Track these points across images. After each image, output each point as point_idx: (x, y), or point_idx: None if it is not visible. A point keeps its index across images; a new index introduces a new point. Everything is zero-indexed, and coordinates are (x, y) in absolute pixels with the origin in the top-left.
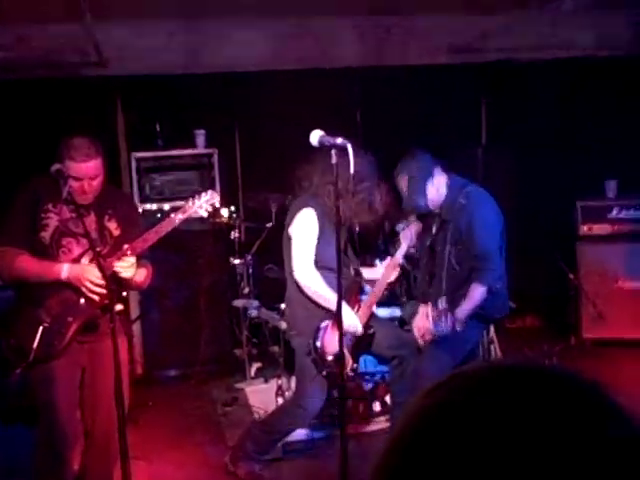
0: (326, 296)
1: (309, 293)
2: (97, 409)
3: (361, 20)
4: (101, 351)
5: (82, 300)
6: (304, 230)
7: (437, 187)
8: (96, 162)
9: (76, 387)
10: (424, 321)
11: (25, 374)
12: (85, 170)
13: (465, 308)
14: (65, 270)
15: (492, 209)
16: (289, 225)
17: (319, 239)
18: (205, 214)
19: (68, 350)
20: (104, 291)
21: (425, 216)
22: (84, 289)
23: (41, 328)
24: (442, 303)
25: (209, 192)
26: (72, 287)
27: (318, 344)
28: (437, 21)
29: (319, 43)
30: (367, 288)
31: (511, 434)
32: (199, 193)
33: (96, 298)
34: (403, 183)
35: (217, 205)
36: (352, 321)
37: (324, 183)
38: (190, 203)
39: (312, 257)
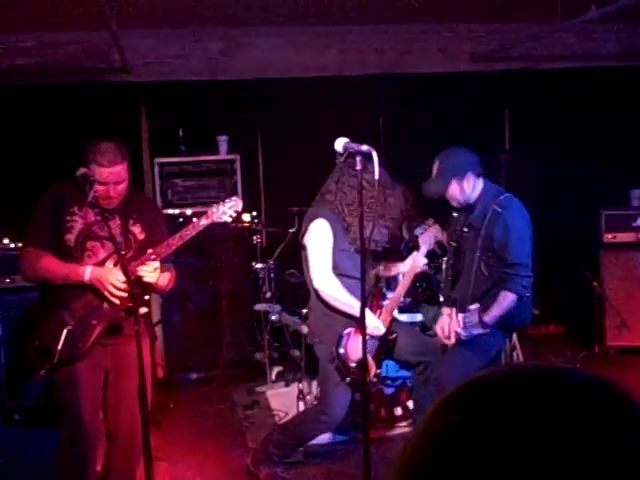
0: (347, 302)
1: (330, 301)
2: (120, 411)
3: (384, 28)
4: (124, 353)
5: (105, 304)
6: (318, 240)
7: (462, 188)
8: (121, 167)
9: (99, 389)
10: (448, 322)
11: (49, 375)
12: (110, 175)
13: (494, 314)
14: (88, 272)
15: (526, 218)
16: (303, 235)
17: (334, 247)
18: (229, 220)
19: (92, 352)
20: (125, 295)
21: (452, 216)
22: (106, 292)
23: (65, 330)
24: (473, 306)
25: (233, 198)
26: (96, 290)
27: (341, 351)
28: (460, 29)
29: (342, 51)
30: (388, 294)
31: (533, 447)
32: (223, 199)
33: (117, 302)
34: (434, 167)
35: (241, 211)
36: (374, 323)
37: (339, 191)
38: (214, 209)
39: (329, 265)
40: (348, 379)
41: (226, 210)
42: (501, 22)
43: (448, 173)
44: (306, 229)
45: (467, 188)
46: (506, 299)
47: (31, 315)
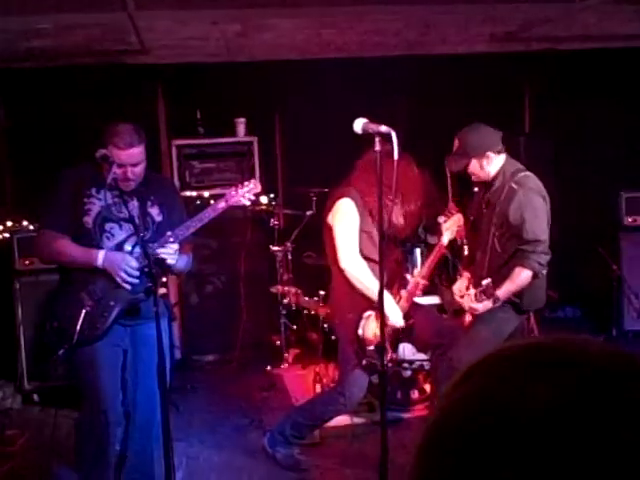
0: (370, 286)
1: (353, 282)
2: (138, 391)
3: (403, 8)
4: (143, 334)
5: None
6: (345, 219)
7: (482, 165)
8: (139, 149)
9: (118, 369)
10: (465, 284)
11: (67, 355)
12: (128, 157)
13: (507, 289)
14: (100, 258)
15: (543, 196)
16: (327, 215)
17: (359, 230)
18: (248, 203)
19: (111, 332)
20: (137, 281)
21: (474, 191)
22: (118, 279)
23: (84, 311)
24: (486, 281)
25: (252, 181)
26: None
27: (360, 332)
28: (480, 10)
29: (360, 32)
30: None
31: (553, 419)
32: (241, 182)
33: (128, 287)
34: (455, 143)
35: (259, 195)
36: (394, 315)
37: (365, 177)
38: (233, 192)
39: (357, 246)
40: (364, 362)
41: (245, 193)
42: (521, 2)
43: (468, 151)
44: (331, 208)
45: (487, 165)
46: (520, 275)
47: (50, 297)
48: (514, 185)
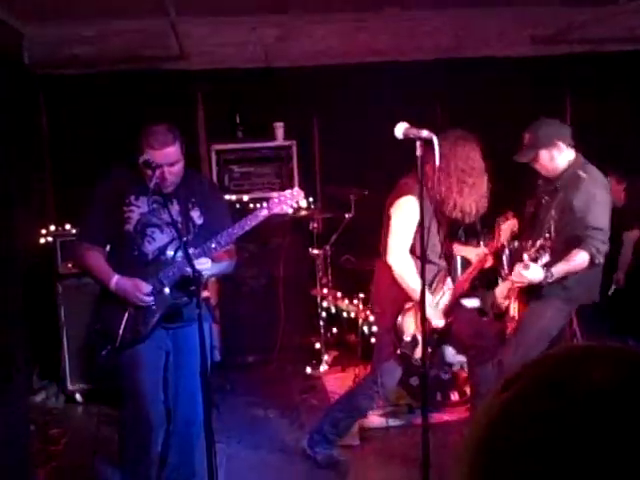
0: (413, 286)
1: (398, 279)
2: (179, 392)
3: (443, 12)
4: (185, 336)
5: (167, 290)
6: (405, 216)
7: (552, 156)
8: (174, 148)
9: (161, 370)
10: (508, 286)
11: (111, 358)
12: (164, 157)
13: (562, 268)
14: (114, 282)
15: (608, 191)
16: (390, 205)
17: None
18: (290, 211)
19: (153, 335)
20: (151, 300)
21: (537, 184)
22: (131, 302)
23: (126, 315)
24: (541, 240)
25: (295, 189)
26: (156, 277)
27: (399, 320)
28: (521, 12)
29: (398, 36)
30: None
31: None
32: (283, 189)
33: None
34: (526, 137)
35: (302, 202)
36: (434, 316)
37: (431, 173)
38: (276, 200)
39: (408, 244)
40: (399, 351)
41: (287, 201)
42: (562, 4)
43: (537, 143)
44: (393, 201)
45: (557, 156)
46: (577, 256)
47: (96, 301)
48: (582, 173)
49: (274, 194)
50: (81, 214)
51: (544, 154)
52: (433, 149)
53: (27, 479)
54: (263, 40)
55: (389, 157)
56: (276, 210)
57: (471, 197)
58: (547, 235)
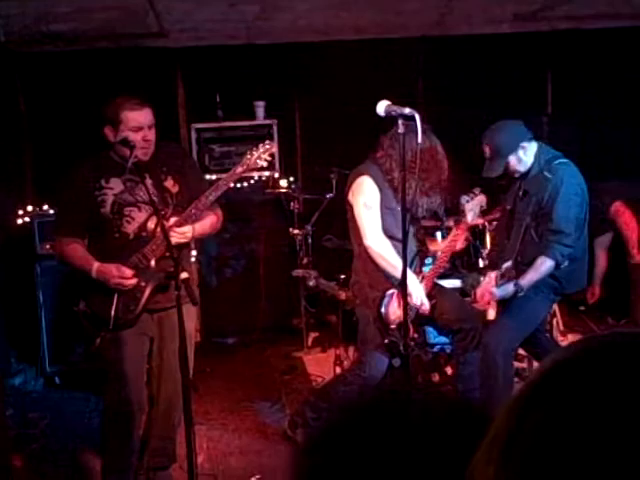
0: (394, 264)
1: (378, 260)
2: (162, 376)
3: None
4: (169, 321)
5: (153, 263)
6: (366, 197)
7: (520, 158)
8: (150, 110)
9: (144, 355)
10: (488, 284)
11: (106, 342)
12: (145, 117)
13: (530, 278)
14: (94, 271)
15: (577, 186)
16: (347, 193)
17: (380, 205)
18: (265, 164)
19: (138, 320)
20: (134, 282)
21: (505, 181)
22: (112, 287)
23: (116, 295)
24: (506, 265)
25: (267, 142)
26: (141, 252)
27: (382, 310)
28: None
29: (380, 12)
30: (429, 260)
31: None
32: (256, 145)
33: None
34: (487, 150)
35: (275, 154)
36: (418, 293)
37: (390, 147)
38: (249, 155)
39: (379, 222)
40: (386, 340)
41: (261, 155)
42: None
43: (503, 151)
44: (350, 186)
45: (524, 156)
46: (543, 265)
47: (73, 281)
48: (547, 174)
49: (263, 165)
50: (56, 210)
51: (512, 160)
52: (415, 127)
53: (4, 463)
54: (244, 16)
55: (372, 136)
56: (250, 166)
57: (421, 189)
58: (509, 265)
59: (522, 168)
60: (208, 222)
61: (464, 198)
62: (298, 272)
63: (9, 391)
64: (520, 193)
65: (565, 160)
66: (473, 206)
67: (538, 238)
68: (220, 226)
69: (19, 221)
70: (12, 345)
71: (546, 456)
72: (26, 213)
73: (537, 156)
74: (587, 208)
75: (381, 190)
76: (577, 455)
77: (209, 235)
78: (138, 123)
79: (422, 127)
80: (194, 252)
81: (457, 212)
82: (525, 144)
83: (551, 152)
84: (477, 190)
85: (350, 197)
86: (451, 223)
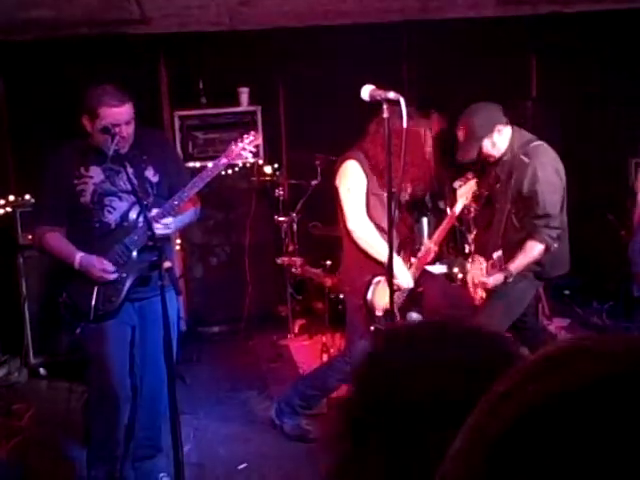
0: (379, 248)
1: (362, 244)
2: (145, 365)
3: None
4: (150, 310)
5: (134, 254)
6: (350, 181)
7: (494, 143)
8: (129, 105)
9: (127, 344)
10: (479, 274)
11: (86, 333)
12: (122, 114)
13: (520, 263)
14: (77, 261)
15: (555, 167)
16: (334, 176)
17: (367, 192)
18: (250, 156)
19: (120, 309)
20: (115, 276)
21: (483, 167)
22: (95, 279)
23: (96, 286)
24: (496, 254)
25: (251, 133)
26: (122, 242)
27: (369, 297)
28: None
29: None
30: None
31: None
32: (241, 136)
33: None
34: (460, 134)
35: (260, 143)
36: (404, 276)
37: (377, 132)
38: (233, 146)
39: (363, 207)
40: (372, 327)
41: (245, 146)
42: None
43: (477, 134)
44: (337, 171)
45: (498, 141)
46: (533, 249)
47: (56, 271)
48: (524, 158)
49: (248, 156)
50: (35, 198)
51: (486, 143)
52: (400, 111)
53: None
54: (227, 2)
55: (357, 121)
56: (234, 156)
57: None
58: (500, 254)
59: (496, 153)
60: (187, 214)
61: (457, 183)
62: (283, 259)
63: None
64: (495, 180)
65: (540, 142)
66: (465, 191)
67: (519, 223)
68: (198, 216)
69: (0, 211)
70: None
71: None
72: (8, 203)
73: (511, 141)
74: (565, 189)
75: (367, 175)
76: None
77: (188, 225)
78: (115, 120)
79: (407, 109)
80: (178, 240)
81: (444, 196)
82: (500, 127)
83: (526, 136)
84: (470, 175)
85: (337, 181)
86: (443, 206)
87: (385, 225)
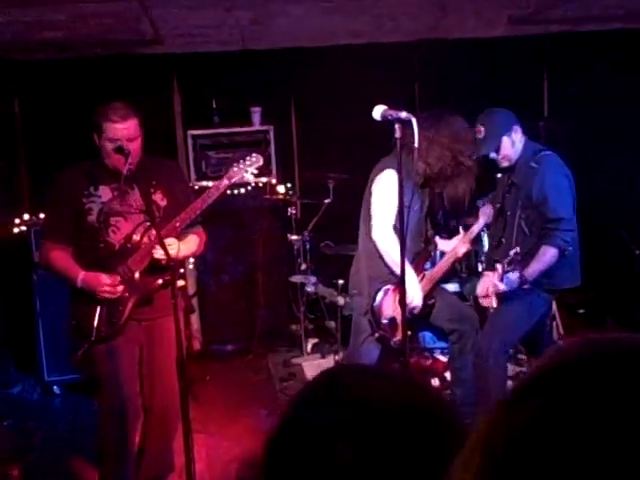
0: (398, 261)
1: (382, 254)
2: (155, 384)
3: None
4: (158, 328)
5: (137, 275)
6: (386, 191)
7: (513, 142)
8: (134, 122)
9: (136, 363)
10: (489, 281)
11: (89, 354)
12: (124, 130)
13: (534, 268)
14: (79, 280)
15: (564, 175)
16: (372, 181)
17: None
18: (251, 177)
19: (126, 328)
20: (119, 294)
21: (497, 177)
22: (100, 296)
23: (99, 308)
24: (513, 250)
25: (253, 155)
26: (125, 263)
27: (376, 304)
28: None
29: (375, 16)
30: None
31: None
32: (243, 158)
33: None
34: (481, 129)
35: (261, 166)
36: (415, 294)
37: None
38: (235, 168)
39: (392, 218)
40: (377, 334)
41: (247, 168)
42: None
43: (498, 131)
44: (374, 177)
45: (517, 141)
46: (546, 253)
47: (69, 290)
48: (534, 164)
49: (250, 178)
50: (43, 213)
51: (506, 141)
52: (412, 131)
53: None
54: (239, 22)
55: (369, 141)
56: (236, 179)
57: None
58: (517, 250)
59: (513, 155)
60: (193, 242)
61: (479, 202)
62: (296, 278)
63: (7, 401)
64: (508, 186)
65: (550, 152)
66: (488, 210)
67: (529, 231)
68: (205, 247)
69: (16, 230)
70: (10, 354)
71: (532, 457)
72: (23, 222)
73: (523, 151)
74: (575, 197)
75: (401, 193)
76: (569, 457)
77: (194, 255)
78: (115, 136)
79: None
80: (192, 259)
81: (462, 214)
82: (517, 129)
83: (537, 146)
84: (492, 194)
85: (373, 187)
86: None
87: (414, 237)
